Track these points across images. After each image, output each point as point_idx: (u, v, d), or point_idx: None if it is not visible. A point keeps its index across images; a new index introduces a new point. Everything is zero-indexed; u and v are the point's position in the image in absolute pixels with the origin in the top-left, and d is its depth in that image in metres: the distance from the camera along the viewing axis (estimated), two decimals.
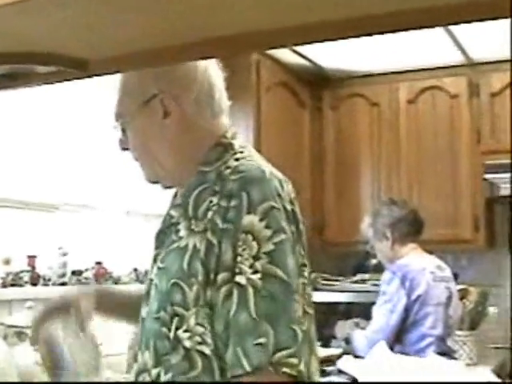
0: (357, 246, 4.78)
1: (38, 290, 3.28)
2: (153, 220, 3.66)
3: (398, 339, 3.84)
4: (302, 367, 1.61)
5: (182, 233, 1.77)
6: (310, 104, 5.06)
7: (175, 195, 1.95)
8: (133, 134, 1.88)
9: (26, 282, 3.27)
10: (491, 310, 4.75)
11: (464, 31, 4.25)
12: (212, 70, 1.88)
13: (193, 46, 1.38)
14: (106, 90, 3.71)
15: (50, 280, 3.42)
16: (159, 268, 1.81)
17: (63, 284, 3.46)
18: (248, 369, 1.59)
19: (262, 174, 1.71)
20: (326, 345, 4.28)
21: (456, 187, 4.83)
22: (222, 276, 1.64)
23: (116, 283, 3.75)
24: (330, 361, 4.02)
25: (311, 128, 5.07)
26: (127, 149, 1.91)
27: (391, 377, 0.89)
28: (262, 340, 1.58)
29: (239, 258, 1.62)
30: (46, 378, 2.67)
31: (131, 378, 1.87)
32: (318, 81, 5.08)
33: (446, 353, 3.79)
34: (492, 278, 4.92)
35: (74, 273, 3.54)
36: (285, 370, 1.58)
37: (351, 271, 5.09)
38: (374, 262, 5.04)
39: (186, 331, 1.69)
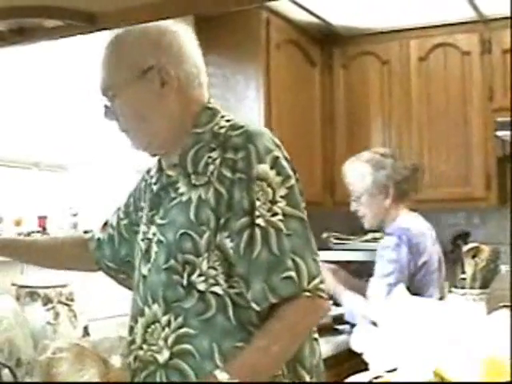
0: None
1: None
2: None
3: None
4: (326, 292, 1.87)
5: (183, 189, 1.93)
6: (320, 62, 5.01)
7: (158, 161, 2.11)
8: (128, 104, 1.98)
9: None
10: (503, 268, 4.74)
11: None
12: (197, 49, 2.05)
13: None
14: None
15: None
16: (160, 225, 1.96)
17: None
18: (273, 300, 1.81)
19: (259, 129, 1.93)
20: (338, 304, 4.27)
21: (468, 145, 4.79)
22: (241, 221, 1.82)
23: None
24: (342, 319, 4.03)
25: (321, 86, 5.03)
26: (113, 119, 2.02)
27: (412, 320, 0.89)
28: (288, 273, 1.79)
29: (258, 203, 1.80)
30: (58, 338, 2.69)
31: (138, 333, 1.96)
32: (328, 39, 5.03)
33: None
34: (504, 236, 4.90)
35: (84, 233, 3.53)
36: (320, 294, 1.83)
37: (363, 230, 5.07)
38: None
39: (199, 275, 1.85)
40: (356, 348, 0.96)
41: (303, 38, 4.80)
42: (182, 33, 2.01)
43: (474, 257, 4.41)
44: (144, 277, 1.98)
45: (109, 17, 1.47)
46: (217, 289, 1.85)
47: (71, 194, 3.57)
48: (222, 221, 1.84)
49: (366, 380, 0.92)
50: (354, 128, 5.07)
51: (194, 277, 1.85)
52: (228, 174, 1.84)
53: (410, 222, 3.72)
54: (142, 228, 2.07)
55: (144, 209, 2.11)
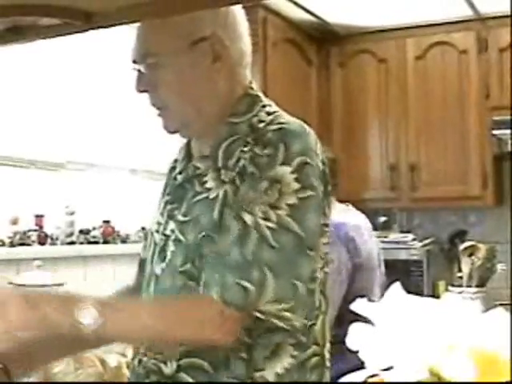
0: (365, 203, 4.77)
1: (46, 249, 3.28)
2: (159, 178, 3.64)
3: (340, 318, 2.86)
4: (297, 323, 1.59)
5: (210, 184, 1.71)
6: (317, 61, 5.02)
7: (185, 148, 1.87)
8: (171, 76, 1.72)
9: (34, 242, 3.26)
10: (499, 266, 4.74)
11: None
12: (247, 24, 1.84)
13: None
14: (109, 48, 3.68)
15: (57, 239, 3.42)
16: (181, 222, 1.73)
17: (71, 243, 3.45)
18: (215, 296, 1.54)
19: (302, 128, 1.68)
20: None
21: (464, 143, 4.80)
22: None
23: (124, 242, 3.74)
24: None
25: (318, 85, 5.03)
26: (145, 91, 1.75)
27: (408, 318, 0.88)
28: (245, 283, 1.52)
29: (256, 201, 1.58)
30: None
31: None
32: (325, 37, 5.03)
33: None
34: (500, 234, 4.90)
35: (81, 232, 3.53)
36: (276, 321, 1.56)
37: None
38: (382, 219, 5.04)
39: None
40: (352, 346, 0.96)
41: (300, 37, 4.80)
42: (236, 6, 1.80)
43: (470, 255, 4.42)
44: (157, 276, 1.76)
45: (105, 15, 1.46)
46: None
47: (68, 193, 3.57)
48: None
49: (362, 378, 0.92)
50: (351, 126, 5.07)
51: None
52: (250, 169, 1.63)
53: (344, 215, 3.35)
54: (159, 218, 1.85)
55: (164, 196, 1.88)
